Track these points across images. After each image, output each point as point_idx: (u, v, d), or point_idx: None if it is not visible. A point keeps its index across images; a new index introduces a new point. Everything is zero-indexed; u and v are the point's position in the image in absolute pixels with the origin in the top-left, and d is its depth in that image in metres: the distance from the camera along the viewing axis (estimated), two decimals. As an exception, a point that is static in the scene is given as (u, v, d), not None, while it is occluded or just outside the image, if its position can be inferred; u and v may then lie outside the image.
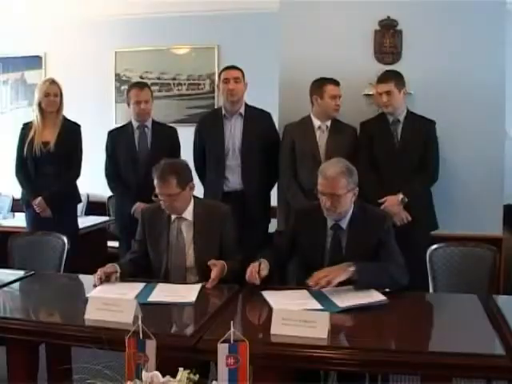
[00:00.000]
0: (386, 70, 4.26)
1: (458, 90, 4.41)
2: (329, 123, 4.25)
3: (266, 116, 4.46)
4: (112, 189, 4.59)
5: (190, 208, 3.36)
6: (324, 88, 4.21)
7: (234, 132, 4.34)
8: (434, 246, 3.51)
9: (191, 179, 3.38)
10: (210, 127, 4.41)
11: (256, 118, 4.38)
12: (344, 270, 2.90)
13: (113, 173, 4.52)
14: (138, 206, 4.30)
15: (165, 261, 3.34)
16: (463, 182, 4.42)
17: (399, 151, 4.10)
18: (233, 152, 4.31)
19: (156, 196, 3.31)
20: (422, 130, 4.12)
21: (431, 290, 3.44)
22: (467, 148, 4.41)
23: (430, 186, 4.15)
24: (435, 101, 4.38)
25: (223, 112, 4.39)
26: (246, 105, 4.41)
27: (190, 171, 3.41)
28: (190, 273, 3.32)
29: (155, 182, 3.29)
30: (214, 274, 3.12)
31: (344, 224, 3.13)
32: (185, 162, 3.47)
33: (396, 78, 4.12)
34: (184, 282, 3.25)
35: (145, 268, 3.40)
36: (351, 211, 3.13)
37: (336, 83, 4.23)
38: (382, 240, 3.10)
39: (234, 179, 4.32)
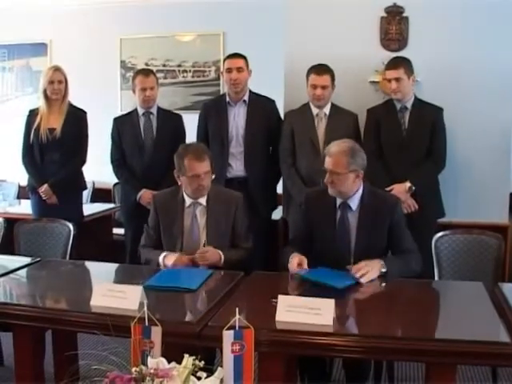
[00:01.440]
0: (395, 56, 4.22)
1: (464, 77, 4.38)
2: (327, 110, 4.21)
3: (269, 103, 4.43)
4: (117, 175, 4.59)
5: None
6: (308, 76, 4.19)
7: (237, 119, 4.33)
8: (440, 234, 3.51)
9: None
10: (213, 114, 4.39)
11: (260, 105, 4.36)
12: (378, 266, 2.94)
13: (118, 159, 4.51)
14: (144, 193, 4.32)
15: (179, 245, 3.35)
16: (469, 170, 4.39)
17: (406, 139, 4.07)
18: (236, 139, 4.30)
19: None
20: (429, 117, 4.09)
21: (436, 278, 3.44)
22: (474, 136, 4.39)
23: (438, 173, 4.13)
24: (442, 88, 4.35)
25: (227, 99, 4.37)
26: (251, 92, 4.39)
27: None
28: None
29: (188, 163, 3.28)
30: (204, 253, 3.21)
31: (353, 204, 3.13)
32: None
33: (405, 64, 4.08)
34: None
35: None
36: (360, 193, 3.14)
37: (320, 72, 4.14)
38: (393, 224, 3.12)
39: (237, 166, 4.31)
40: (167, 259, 3.25)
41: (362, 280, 2.85)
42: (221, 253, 3.27)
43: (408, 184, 3.96)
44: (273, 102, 4.45)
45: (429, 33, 4.41)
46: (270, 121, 4.37)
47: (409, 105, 4.12)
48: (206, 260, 3.21)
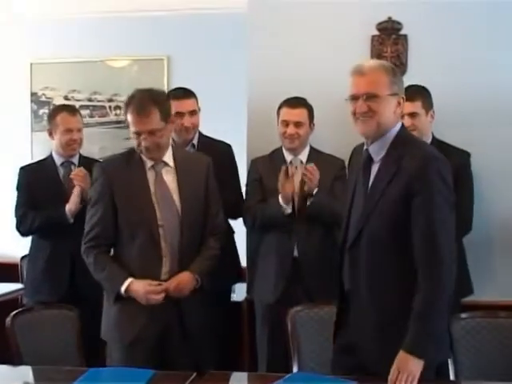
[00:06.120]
0: (411, 85, 4.15)
1: (477, 107, 4.45)
2: (305, 156, 4.27)
3: (223, 145, 4.53)
4: (29, 222, 4.42)
5: (170, 152, 3.59)
6: (279, 111, 4.27)
7: None
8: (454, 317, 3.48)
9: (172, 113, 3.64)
10: None
11: (211, 148, 4.33)
12: (414, 363, 2.75)
13: (26, 210, 4.42)
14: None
15: (152, 215, 3.50)
16: (482, 238, 4.40)
17: None
18: None
19: None
20: (451, 166, 4.11)
21: (452, 377, 3.41)
22: (496, 186, 4.44)
23: (461, 237, 4.12)
24: (449, 122, 4.39)
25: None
26: (200, 133, 4.47)
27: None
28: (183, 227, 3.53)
29: (131, 117, 3.43)
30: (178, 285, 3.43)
31: (376, 152, 3.03)
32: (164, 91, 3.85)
33: (424, 95, 4.15)
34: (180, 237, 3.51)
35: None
36: (394, 133, 3.00)
37: (293, 105, 4.22)
38: (414, 196, 2.86)
39: None
40: (133, 287, 3.37)
41: None
42: (195, 276, 3.49)
43: None
44: (229, 146, 4.53)
45: (433, 55, 4.49)
46: (223, 163, 4.34)
47: None
48: (182, 293, 3.44)
